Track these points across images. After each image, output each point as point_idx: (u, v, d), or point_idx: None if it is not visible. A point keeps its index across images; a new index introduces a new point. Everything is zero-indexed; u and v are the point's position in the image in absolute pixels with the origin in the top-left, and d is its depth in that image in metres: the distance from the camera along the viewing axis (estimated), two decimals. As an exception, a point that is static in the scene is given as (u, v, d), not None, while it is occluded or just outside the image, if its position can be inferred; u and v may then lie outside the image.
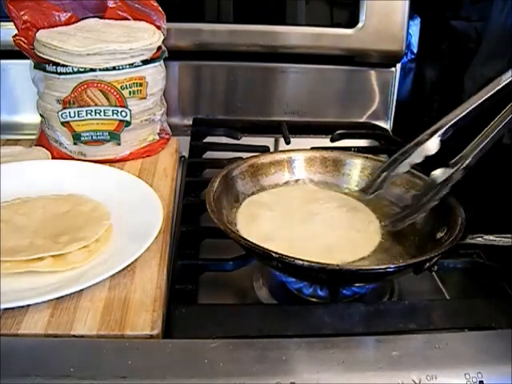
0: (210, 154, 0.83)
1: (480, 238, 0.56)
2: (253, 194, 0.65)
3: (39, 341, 0.45)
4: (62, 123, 0.73)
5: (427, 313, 0.51)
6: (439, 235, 0.57)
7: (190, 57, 0.91)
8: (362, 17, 0.89)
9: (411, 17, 0.96)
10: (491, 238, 0.56)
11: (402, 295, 0.58)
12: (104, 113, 0.73)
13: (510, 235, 0.55)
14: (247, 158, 0.68)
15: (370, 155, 0.70)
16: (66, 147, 0.75)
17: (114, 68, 0.71)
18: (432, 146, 0.61)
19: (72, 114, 0.73)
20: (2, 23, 0.80)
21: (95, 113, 0.73)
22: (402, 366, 0.43)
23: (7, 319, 0.46)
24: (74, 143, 0.75)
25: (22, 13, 0.72)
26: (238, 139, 0.87)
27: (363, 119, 0.98)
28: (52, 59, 0.71)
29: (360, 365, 0.43)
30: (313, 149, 0.73)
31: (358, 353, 0.45)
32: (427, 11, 1.08)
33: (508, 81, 0.59)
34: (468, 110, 0.60)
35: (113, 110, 0.73)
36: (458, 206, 0.58)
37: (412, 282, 0.58)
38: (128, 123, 0.75)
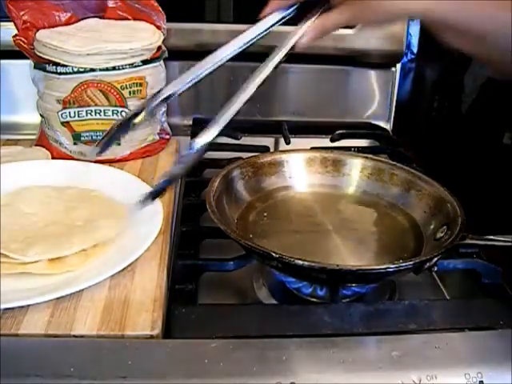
0: (210, 154, 0.83)
1: (480, 239, 0.56)
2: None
3: (39, 341, 0.45)
4: (62, 123, 0.73)
5: (427, 313, 0.51)
6: (439, 235, 0.57)
7: (189, 57, 0.91)
8: (362, 17, 0.89)
9: (411, 17, 0.96)
10: (491, 237, 0.56)
11: (402, 295, 0.58)
12: (104, 113, 0.73)
13: (510, 235, 0.55)
14: (247, 158, 0.68)
15: (369, 155, 0.70)
16: (66, 147, 0.75)
17: (113, 68, 0.71)
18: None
19: (72, 114, 0.73)
20: (2, 23, 0.80)
21: (95, 113, 0.73)
22: (402, 366, 0.43)
23: (7, 319, 0.46)
24: (74, 143, 0.75)
25: (22, 13, 0.72)
26: (238, 139, 0.86)
27: (363, 119, 0.98)
28: (52, 59, 0.71)
29: (360, 365, 0.43)
30: (313, 149, 0.73)
31: (358, 353, 0.45)
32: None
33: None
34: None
35: (113, 110, 0.73)
36: (458, 206, 0.58)
37: (412, 282, 0.58)
38: (128, 123, 0.75)
